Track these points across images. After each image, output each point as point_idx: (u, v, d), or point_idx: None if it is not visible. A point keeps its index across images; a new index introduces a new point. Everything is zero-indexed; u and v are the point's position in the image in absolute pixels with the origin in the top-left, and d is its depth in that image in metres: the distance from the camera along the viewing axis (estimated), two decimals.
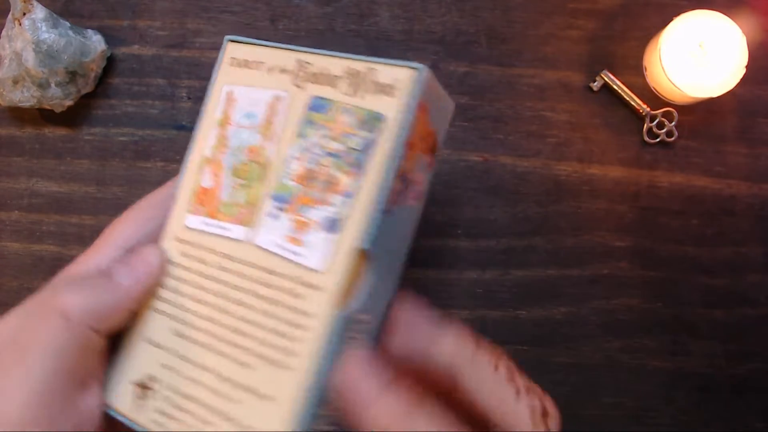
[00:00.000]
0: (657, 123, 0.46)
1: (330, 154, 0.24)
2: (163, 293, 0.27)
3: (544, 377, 0.46)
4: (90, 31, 0.45)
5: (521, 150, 0.46)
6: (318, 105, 0.25)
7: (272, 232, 0.25)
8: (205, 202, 0.27)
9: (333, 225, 0.24)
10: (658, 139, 0.46)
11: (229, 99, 0.28)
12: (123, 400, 0.27)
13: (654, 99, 0.46)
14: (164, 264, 0.27)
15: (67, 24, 0.44)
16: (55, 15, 0.44)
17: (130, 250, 0.28)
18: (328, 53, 0.26)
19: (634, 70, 0.47)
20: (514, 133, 0.46)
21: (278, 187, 0.25)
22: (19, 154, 0.47)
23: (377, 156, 0.24)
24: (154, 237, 0.28)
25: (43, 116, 0.47)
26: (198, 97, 0.47)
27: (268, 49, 0.27)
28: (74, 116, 0.47)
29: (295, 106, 0.26)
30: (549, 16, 0.47)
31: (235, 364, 0.25)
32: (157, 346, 0.27)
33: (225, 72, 0.28)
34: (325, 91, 0.25)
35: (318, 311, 0.23)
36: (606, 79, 0.46)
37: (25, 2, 0.43)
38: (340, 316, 0.23)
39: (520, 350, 0.45)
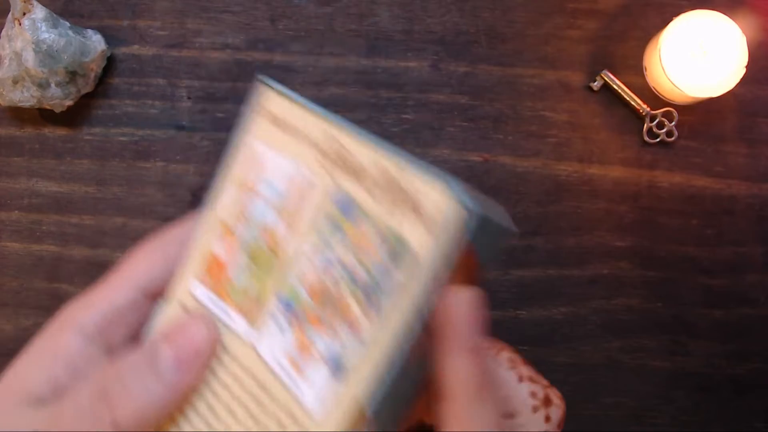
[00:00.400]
0: (657, 123, 0.46)
1: (350, 277, 0.21)
2: None
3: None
4: (90, 31, 0.45)
5: (521, 150, 0.46)
6: (345, 207, 0.22)
7: (274, 343, 0.23)
8: (214, 275, 0.25)
9: (339, 369, 0.21)
10: (658, 139, 0.46)
11: (257, 161, 0.25)
12: None
13: (654, 99, 0.46)
14: (216, 341, 0.24)
15: (67, 24, 0.44)
16: (55, 15, 0.44)
17: (149, 294, 0.26)
18: (362, 139, 0.22)
19: (634, 70, 0.47)
20: (514, 133, 0.46)
21: (289, 291, 0.23)
22: (19, 154, 0.47)
23: (400, 301, 0.20)
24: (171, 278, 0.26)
25: (43, 116, 0.47)
26: (198, 97, 0.47)
27: (301, 110, 0.24)
28: (74, 116, 0.47)
29: (322, 199, 0.23)
30: (549, 16, 0.47)
31: None
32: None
33: (256, 126, 0.25)
34: (353, 188, 0.22)
35: None
36: (606, 79, 0.46)
37: (25, 2, 0.43)
38: None
39: (520, 350, 0.45)
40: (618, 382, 0.45)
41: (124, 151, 0.47)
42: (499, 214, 0.21)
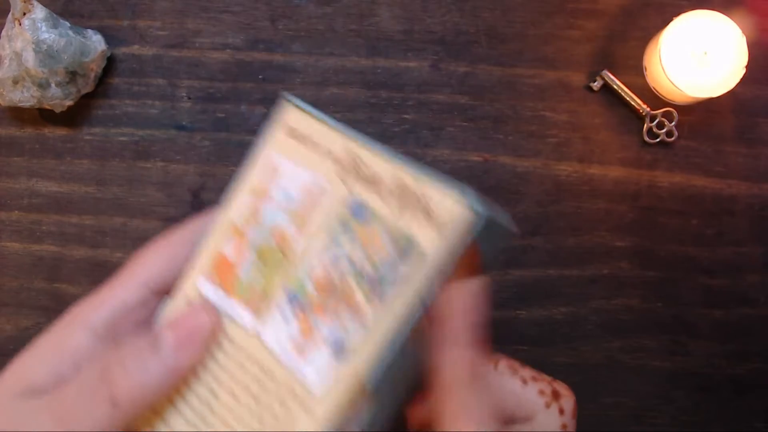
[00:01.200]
0: (657, 123, 0.46)
1: (356, 271, 0.23)
2: None
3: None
4: (90, 31, 0.45)
5: (521, 150, 0.46)
6: (358, 211, 0.23)
7: (279, 331, 0.24)
8: (222, 273, 0.26)
9: (340, 351, 0.22)
10: (658, 139, 0.46)
11: (272, 171, 0.26)
12: None
13: (654, 99, 0.46)
14: (216, 329, 0.25)
15: (67, 24, 0.44)
16: (55, 15, 0.44)
17: (158, 291, 0.26)
18: (380, 153, 0.23)
19: (634, 70, 0.47)
20: (514, 133, 0.46)
21: (296, 284, 0.24)
22: (19, 154, 0.47)
23: (405, 293, 0.21)
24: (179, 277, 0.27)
25: (43, 116, 0.47)
26: (198, 97, 0.47)
27: (322, 125, 0.25)
28: (74, 116, 0.47)
29: (335, 203, 0.24)
30: (549, 16, 0.47)
31: None
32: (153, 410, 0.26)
33: (275, 138, 0.26)
34: (368, 197, 0.23)
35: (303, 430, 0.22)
36: (606, 79, 0.46)
37: (25, 2, 0.43)
38: None
39: (520, 350, 0.45)
40: (618, 382, 0.45)
41: (124, 151, 0.47)
42: (502, 216, 0.22)
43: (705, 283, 0.46)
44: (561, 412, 0.28)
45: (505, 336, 0.45)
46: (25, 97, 0.44)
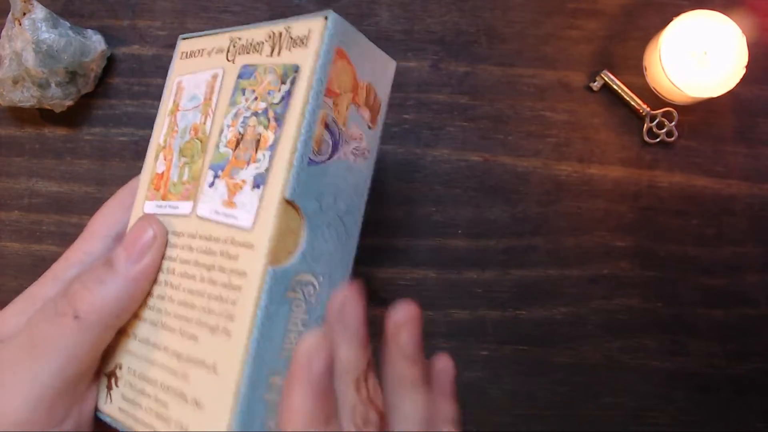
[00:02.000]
0: (657, 123, 0.46)
1: (255, 114, 0.25)
2: None
3: (544, 377, 0.46)
4: (90, 31, 0.45)
5: (521, 150, 0.46)
6: (246, 72, 0.26)
7: (211, 200, 0.25)
8: (159, 186, 0.28)
9: (258, 182, 0.24)
10: (658, 139, 0.46)
11: (179, 88, 0.30)
12: (101, 395, 0.27)
13: (654, 99, 0.46)
14: (160, 233, 0.27)
15: (67, 24, 0.44)
16: (55, 15, 0.44)
17: (119, 238, 0.28)
18: (254, 25, 0.27)
19: (634, 70, 0.47)
20: (514, 133, 0.46)
21: (215, 156, 0.26)
22: (19, 154, 0.47)
23: (294, 106, 0.24)
24: None
25: (43, 116, 0.47)
26: None
27: (209, 36, 0.29)
28: (74, 116, 0.47)
29: (228, 79, 0.27)
30: (549, 16, 0.47)
31: (185, 338, 0.24)
32: (123, 332, 0.27)
33: (176, 66, 0.31)
34: (252, 59, 0.26)
35: (250, 269, 0.23)
36: (606, 79, 0.46)
37: (25, 2, 0.43)
38: (273, 272, 0.22)
39: (520, 350, 0.45)
40: (618, 382, 0.45)
41: (124, 151, 0.47)
42: (381, 52, 0.26)
43: (705, 283, 0.46)
44: None
45: (505, 336, 0.45)
46: (25, 97, 0.44)
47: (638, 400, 0.45)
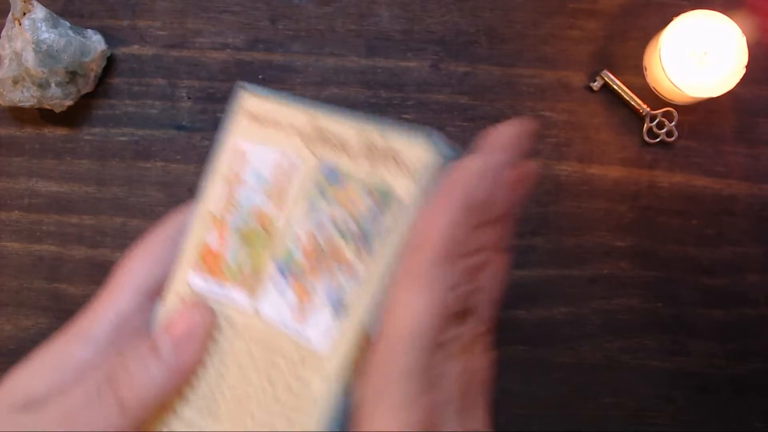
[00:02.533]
0: (657, 123, 0.46)
1: (340, 231, 0.23)
2: None
3: (544, 377, 0.46)
4: (90, 31, 0.45)
5: None
6: (331, 176, 0.24)
7: (276, 303, 0.24)
8: (209, 262, 0.26)
9: (339, 307, 0.23)
10: (658, 139, 0.46)
11: (241, 156, 0.26)
12: None
13: (654, 99, 0.46)
14: (211, 323, 0.26)
15: (67, 24, 0.44)
16: (55, 15, 0.44)
17: (151, 294, 0.27)
18: (342, 118, 0.24)
19: (634, 70, 0.47)
20: None
21: (284, 255, 0.24)
22: (19, 154, 0.47)
23: (389, 240, 0.22)
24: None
25: (43, 116, 0.47)
26: (198, 97, 0.47)
27: (281, 105, 0.26)
28: (74, 116, 0.47)
29: (308, 173, 0.24)
30: (549, 16, 0.47)
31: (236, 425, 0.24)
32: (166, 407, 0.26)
33: (238, 125, 0.27)
34: (339, 160, 0.24)
35: (320, 394, 0.23)
36: (606, 79, 0.46)
37: (25, 2, 0.43)
38: (343, 401, 0.22)
39: (520, 350, 0.45)
40: (618, 382, 0.45)
41: (124, 151, 0.47)
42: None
43: (705, 283, 0.46)
44: None
45: (505, 336, 0.45)
46: (25, 97, 0.44)
47: (638, 400, 0.45)
